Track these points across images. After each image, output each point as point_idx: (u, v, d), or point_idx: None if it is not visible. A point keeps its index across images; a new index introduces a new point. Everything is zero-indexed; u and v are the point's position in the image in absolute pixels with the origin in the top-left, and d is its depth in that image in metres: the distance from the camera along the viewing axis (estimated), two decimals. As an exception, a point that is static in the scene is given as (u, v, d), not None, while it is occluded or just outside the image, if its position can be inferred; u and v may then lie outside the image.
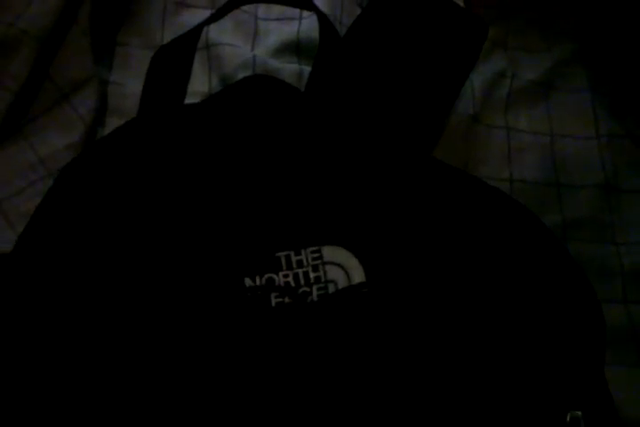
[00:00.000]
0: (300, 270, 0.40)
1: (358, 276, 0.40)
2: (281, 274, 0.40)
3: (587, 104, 0.64)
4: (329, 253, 0.41)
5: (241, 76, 0.58)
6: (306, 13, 0.64)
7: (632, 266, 0.56)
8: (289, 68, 0.60)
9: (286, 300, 0.39)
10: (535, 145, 0.61)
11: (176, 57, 0.51)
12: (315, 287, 0.40)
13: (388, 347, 0.37)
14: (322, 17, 0.53)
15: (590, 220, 0.58)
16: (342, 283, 0.40)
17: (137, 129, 0.44)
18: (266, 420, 0.37)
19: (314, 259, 0.40)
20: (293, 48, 0.62)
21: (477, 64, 0.64)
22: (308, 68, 0.59)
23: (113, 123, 0.55)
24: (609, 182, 0.60)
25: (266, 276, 0.40)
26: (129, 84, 0.58)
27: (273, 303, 0.39)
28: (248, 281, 0.40)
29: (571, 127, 0.63)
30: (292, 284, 0.40)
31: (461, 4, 0.58)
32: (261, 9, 0.65)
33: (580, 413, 0.34)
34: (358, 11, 0.64)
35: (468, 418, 0.36)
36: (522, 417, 0.36)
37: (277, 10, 0.65)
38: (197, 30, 0.51)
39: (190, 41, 0.51)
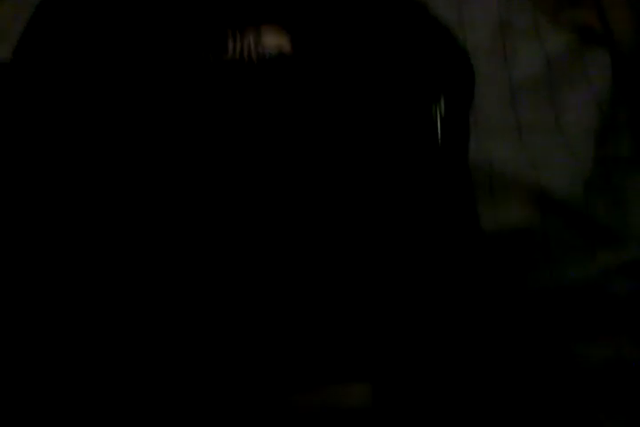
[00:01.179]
0: (245, 47, 0.52)
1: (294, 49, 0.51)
2: (230, 48, 0.51)
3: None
4: (269, 34, 0.52)
5: None
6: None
7: (519, 78, 0.68)
8: None
9: (234, 67, 0.50)
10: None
11: None
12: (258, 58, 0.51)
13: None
14: None
15: (489, 50, 0.70)
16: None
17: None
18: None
19: (257, 38, 0.52)
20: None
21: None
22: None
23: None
24: (502, 20, 0.72)
25: (217, 52, 0.51)
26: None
27: (225, 68, 0.50)
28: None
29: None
30: (239, 57, 0.51)
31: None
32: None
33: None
34: None
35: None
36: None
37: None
38: None
39: None
